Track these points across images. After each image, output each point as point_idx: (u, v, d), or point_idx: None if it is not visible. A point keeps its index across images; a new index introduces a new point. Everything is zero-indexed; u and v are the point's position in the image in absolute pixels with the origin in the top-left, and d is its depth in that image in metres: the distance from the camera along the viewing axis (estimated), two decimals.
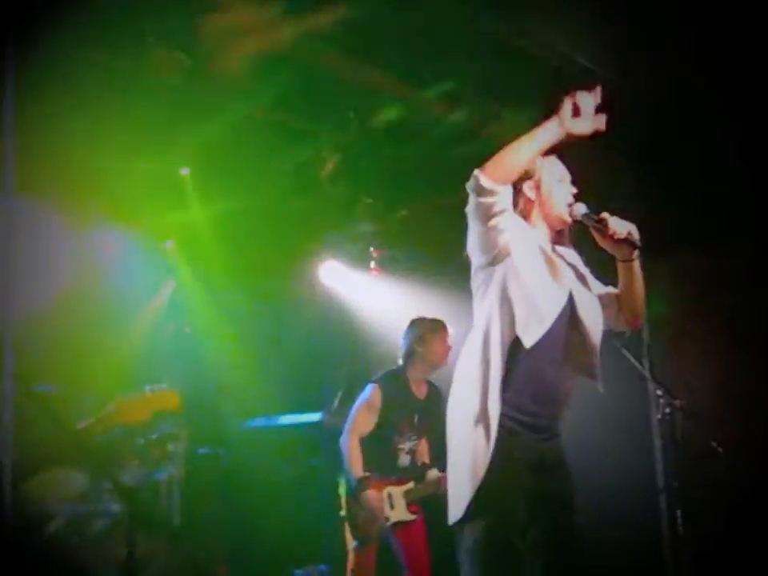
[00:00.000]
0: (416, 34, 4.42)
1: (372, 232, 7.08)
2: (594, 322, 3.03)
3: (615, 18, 4.08)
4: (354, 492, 4.57)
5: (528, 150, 2.84)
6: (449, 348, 4.80)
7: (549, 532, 2.91)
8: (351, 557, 4.67)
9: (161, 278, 6.94)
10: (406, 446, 4.78)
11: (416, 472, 4.79)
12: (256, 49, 4.31)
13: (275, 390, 6.93)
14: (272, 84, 4.75)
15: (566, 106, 2.81)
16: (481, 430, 2.81)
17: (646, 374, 4.68)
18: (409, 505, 4.69)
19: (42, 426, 2.69)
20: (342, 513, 4.68)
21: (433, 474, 4.75)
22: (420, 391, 4.88)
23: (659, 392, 4.48)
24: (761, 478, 5.03)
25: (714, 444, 4.41)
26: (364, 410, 4.73)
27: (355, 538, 4.60)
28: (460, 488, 2.83)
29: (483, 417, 2.82)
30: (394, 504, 4.65)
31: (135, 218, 6.21)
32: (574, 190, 3.11)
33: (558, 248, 3.12)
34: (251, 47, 4.26)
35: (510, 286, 2.89)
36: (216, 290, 7.13)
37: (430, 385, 4.94)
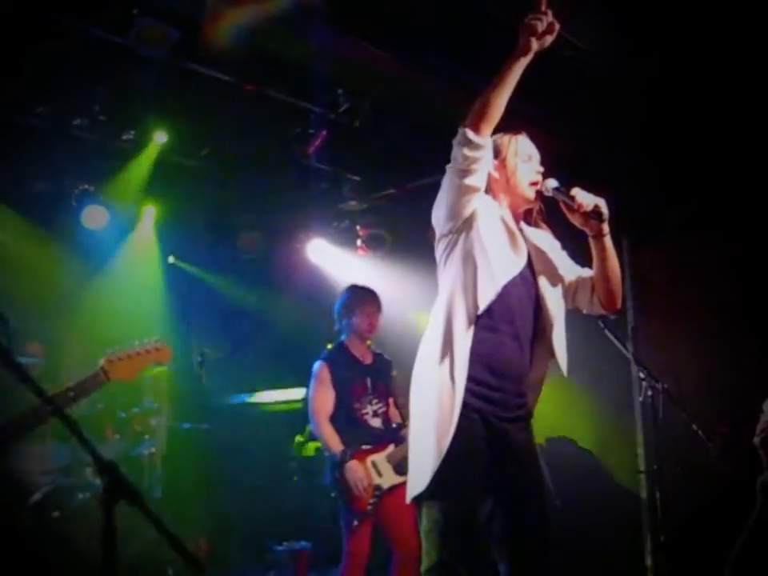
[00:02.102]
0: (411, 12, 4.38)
1: (359, 210, 7.06)
2: (556, 304, 3.05)
3: None
4: (340, 468, 4.55)
5: (505, 93, 2.81)
6: (373, 319, 4.89)
7: (515, 521, 2.90)
8: (350, 538, 4.60)
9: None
10: (369, 409, 4.78)
11: (393, 435, 4.77)
12: (247, 20, 4.26)
13: (260, 366, 6.94)
14: (261, 58, 4.70)
15: (528, 29, 2.77)
16: (445, 402, 2.81)
17: (630, 356, 4.70)
18: (395, 468, 4.66)
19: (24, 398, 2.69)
20: (333, 494, 4.62)
21: (403, 433, 4.70)
22: (365, 358, 4.92)
23: (642, 374, 4.50)
24: (740, 461, 5.06)
25: (695, 427, 4.43)
26: (319, 387, 4.75)
27: (354, 515, 4.57)
28: (421, 463, 2.82)
29: (448, 389, 2.82)
30: (380, 471, 4.61)
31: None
32: (541, 169, 3.09)
33: (527, 228, 3.14)
34: (242, 18, 4.21)
35: (474, 251, 2.91)
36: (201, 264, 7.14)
37: (376, 354, 4.99)
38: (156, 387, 6.01)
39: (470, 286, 2.87)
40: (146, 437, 5.90)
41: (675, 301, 5.77)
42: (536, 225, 3.18)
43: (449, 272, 2.97)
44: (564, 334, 3.04)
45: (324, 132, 5.83)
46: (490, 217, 2.98)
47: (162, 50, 4.37)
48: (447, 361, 2.84)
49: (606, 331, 4.50)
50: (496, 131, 2.96)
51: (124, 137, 5.64)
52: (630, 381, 5.62)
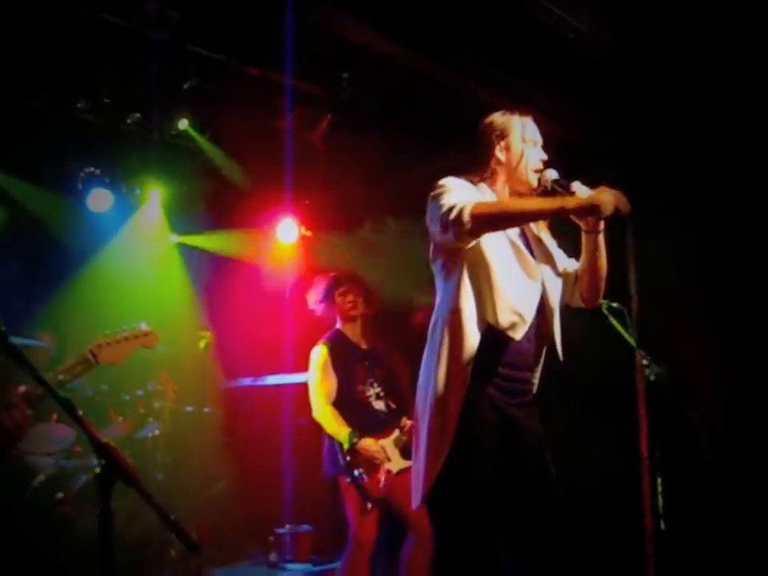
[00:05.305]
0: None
1: (364, 196, 7.05)
2: (555, 294, 3.04)
3: None
4: (351, 449, 4.55)
5: (526, 220, 2.90)
6: (352, 298, 4.92)
7: (521, 506, 2.92)
8: (358, 526, 4.60)
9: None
10: (372, 391, 4.81)
11: (396, 419, 4.78)
12: None
13: (263, 350, 6.94)
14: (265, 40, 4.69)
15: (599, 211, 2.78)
16: (453, 394, 2.82)
17: (633, 342, 4.69)
18: (402, 452, 4.67)
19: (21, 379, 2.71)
20: (348, 480, 4.62)
21: (404, 421, 4.72)
22: (362, 343, 4.96)
23: (645, 361, 4.49)
24: (743, 448, 5.06)
25: (697, 414, 4.43)
26: (319, 371, 4.78)
27: (367, 497, 4.57)
28: (428, 465, 2.84)
29: (453, 390, 2.82)
30: (389, 455, 4.64)
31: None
32: (545, 157, 3.05)
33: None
34: None
35: (479, 274, 2.88)
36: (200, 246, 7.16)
37: (375, 341, 5.02)
38: (160, 370, 6.02)
39: (480, 304, 2.85)
40: (150, 419, 5.92)
41: (679, 289, 5.75)
42: None
43: (451, 281, 2.93)
44: (559, 321, 3.05)
45: (329, 116, 5.82)
46: (494, 238, 2.92)
47: (164, 33, 4.37)
48: (454, 358, 2.84)
49: (610, 318, 4.48)
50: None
51: (129, 119, 5.65)
52: (633, 367, 5.60)
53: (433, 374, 2.88)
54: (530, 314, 2.90)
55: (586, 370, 5.03)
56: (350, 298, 4.93)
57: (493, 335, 2.85)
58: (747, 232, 5.31)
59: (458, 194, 2.85)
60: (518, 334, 2.86)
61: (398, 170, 6.50)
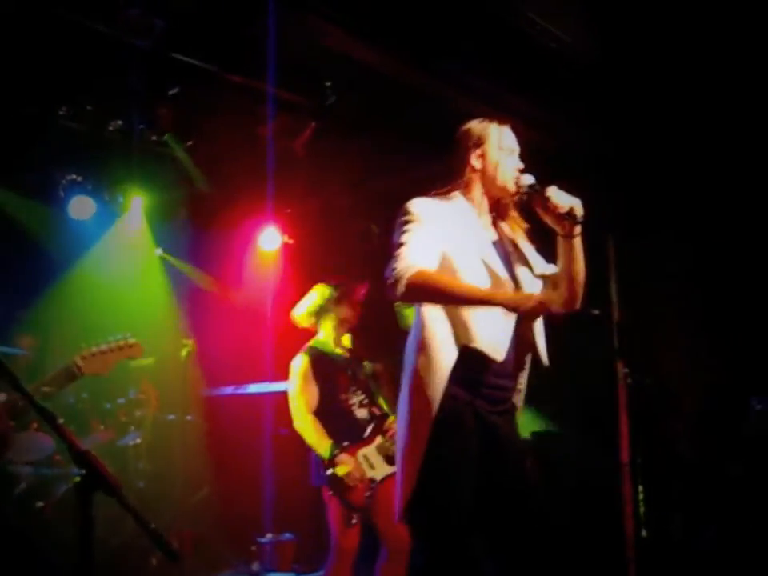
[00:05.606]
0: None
1: (346, 204, 7.05)
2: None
3: None
4: (331, 464, 4.54)
5: (465, 302, 2.83)
6: (359, 308, 4.94)
7: (502, 513, 2.92)
8: (342, 535, 4.58)
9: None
10: (355, 400, 4.80)
11: (378, 426, 4.78)
12: None
13: (246, 358, 6.93)
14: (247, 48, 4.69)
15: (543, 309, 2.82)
16: (423, 422, 2.82)
17: (614, 351, 4.71)
18: (386, 459, 4.66)
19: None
20: (331, 493, 4.61)
21: (388, 423, 4.74)
22: (344, 350, 4.95)
23: (626, 369, 4.52)
24: (722, 455, 5.09)
25: (677, 421, 4.46)
26: (300, 380, 4.75)
27: (352, 509, 4.56)
28: (409, 473, 2.85)
29: (426, 410, 2.82)
30: (372, 463, 4.61)
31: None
32: (521, 166, 3.04)
33: (501, 223, 3.12)
34: None
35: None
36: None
37: (354, 348, 5.01)
38: (141, 379, 6.01)
39: (460, 337, 2.86)
40: (131, 428, 5.90)
41: (660, 296, 5.78)
42: (506, 218, 3.14)
43: (423, 305, 2.93)
44: (542, 327, 3.05)
45: (313, 124, 5.82)
46: (469, 256, 2.91)
47: (147, 40, 4.37)
48: (428, 380, 2.84)
49: (592, 327, 4.51)
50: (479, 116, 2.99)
51: (111, 127, 5.64)
52: (615, 375, 5.63)
53: (407, 396, 2.91)
54: (507, 336, 2.89)
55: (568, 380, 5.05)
56: (356, 308, 4.94)
57: (470, 352, 2.85)
58: (730, 240, 5.36)
59: (415, 242, 2.85)
60: (499, 357, 2.86)
61: (381, 177, 6.51)
